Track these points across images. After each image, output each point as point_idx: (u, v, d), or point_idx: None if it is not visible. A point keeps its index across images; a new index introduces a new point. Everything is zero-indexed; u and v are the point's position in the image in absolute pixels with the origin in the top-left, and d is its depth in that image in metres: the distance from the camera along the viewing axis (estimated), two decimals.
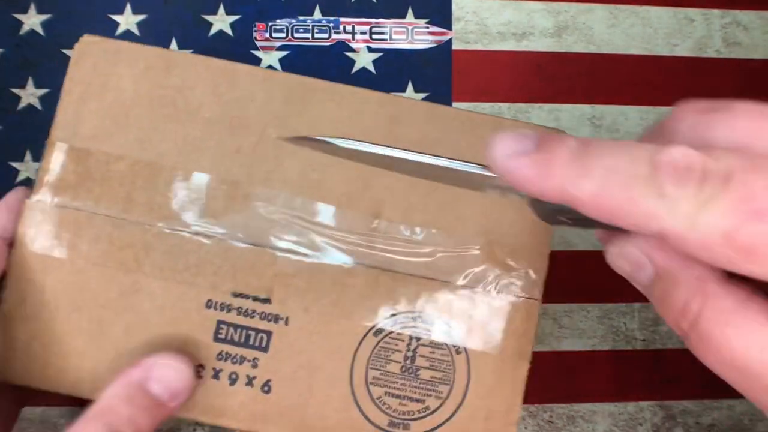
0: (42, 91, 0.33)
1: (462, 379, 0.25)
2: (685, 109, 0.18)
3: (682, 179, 0.15)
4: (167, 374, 0.23)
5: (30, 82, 0.33)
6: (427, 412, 0.25)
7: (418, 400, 0.25)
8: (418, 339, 0.25)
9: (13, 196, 0.25)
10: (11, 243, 0.24)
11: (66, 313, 0.24)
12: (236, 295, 0.25)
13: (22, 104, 0.32)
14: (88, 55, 0.25)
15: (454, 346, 0.25)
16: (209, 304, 0.25)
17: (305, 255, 0.25)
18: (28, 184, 0.32)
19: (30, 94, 0.33)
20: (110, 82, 0.25)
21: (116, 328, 0.24)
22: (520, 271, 0.25)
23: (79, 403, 0.27)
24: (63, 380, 0.24)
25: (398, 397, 0.25)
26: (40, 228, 0.25)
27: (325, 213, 0.25)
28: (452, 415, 0.25)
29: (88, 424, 0.22)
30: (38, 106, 0.32)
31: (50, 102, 0.33)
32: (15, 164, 0.32)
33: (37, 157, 0.32)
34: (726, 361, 0.16)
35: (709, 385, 0.33)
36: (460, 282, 0.25)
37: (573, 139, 0.17)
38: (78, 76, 0.25)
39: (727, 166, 0.15)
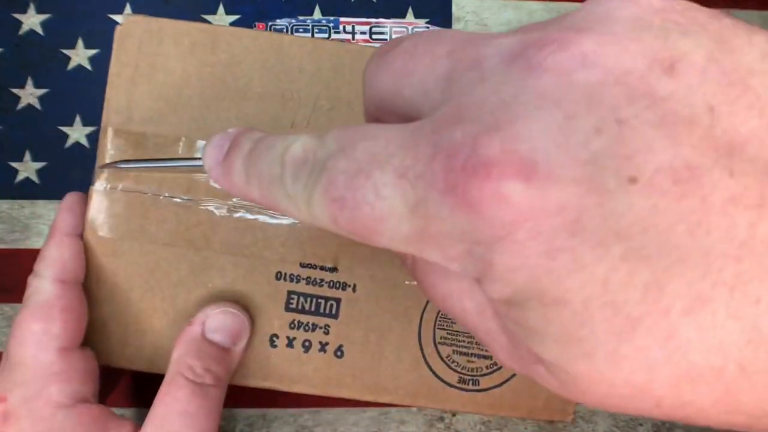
0: (41, 91, 0.32)
1: None
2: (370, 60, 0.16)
3: (297, 175, 0.14)
4: (222, 321, 0.24)
5: (29, 82, 0.32)
6: (495, 367, 0.26)
7: (485, 357, 0.26)
8: None
9: (69, 198, 0.26)
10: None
11: (140, 293, 0.25)
12: (304, 265, 0.25)
13: (22, 104, 0.32)
14: (131, 36, 0.25)
15: None
16: (279, 276, 0.25)
17: None
18: (28, 184, 0.32)
19: (29, 94, 0.32)
20: (158, 63, 0.25)
21: (189, 305, 0.25)
22: None
23: (135, 405, 0.27)
24: (141, 358, 0.25)
25: (466, 354, 0.26)
26: (108, 213, 0.25)
27: None
28: None
29: (171, 385, 0.23)
30: (38, 106, 0.32)
31: (50, 102, 0.32)
32: (14, 164, 0.32)
33: (37, 157, 0.32)
34: (443, 309, 0.16)
35: None
36: None
37: (248, 141, 0.16)
38: (125, 58, 0.25)
39: (326, 152, 0.14)
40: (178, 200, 0.25)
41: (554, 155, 0.11)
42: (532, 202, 0.11)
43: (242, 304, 0.25)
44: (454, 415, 0.32)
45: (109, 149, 0.25)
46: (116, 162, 0.24)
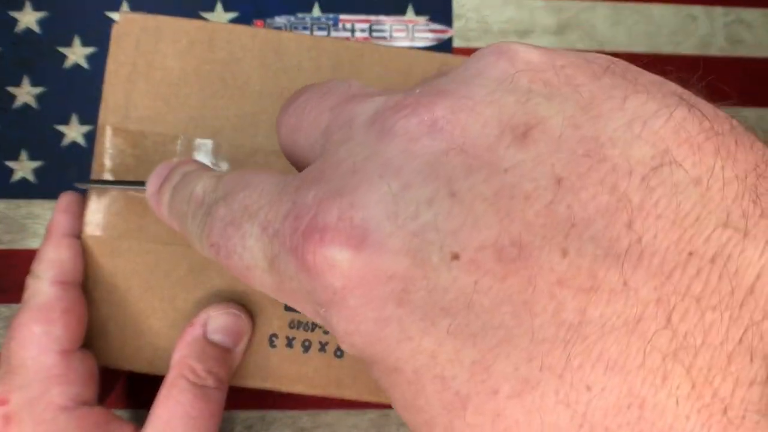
0: (38, 90, 0.32)
1: None
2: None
3: (195, 215, 0.15)
4: (224, 322, 0.24)
5: (26, 81, 0.32)
6: None
7: None
8: None
9: (65, 199, 0.25)
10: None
11: (138, 294, 0.25)
12: None
13: (18, 103, 0.32)
14: (128, 33, 0.25)
15: None
16: None
17: None
18: (24, 183, 0.32)
19: (26, 93, 0.32)
20: (155, 61, 0.25)
21: (188, 305, 0.25)
22: None
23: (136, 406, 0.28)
24: (139, 359, 0.25)
25: None
26: (106, 213, 0.25)
27: None
28: None
29: (172, 387, 0.23)
30: (34, 104, 0.32)
31: (46, 100, 0.32)
32: (10, 163, 0.32)
33: (33, 156, 0.32)
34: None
35: None
36: None
37: (178, 175, 0.17)
38: (122, 56, 0.25)
39: (215, 196, 0.15)
40: None
41: (385, 225, 0.11)
42: (360, 270, 0.11)
43: (241, 303, 0.25)
44: None
45: (108, 148, 0.25)
46: (100, 181, 0.25)
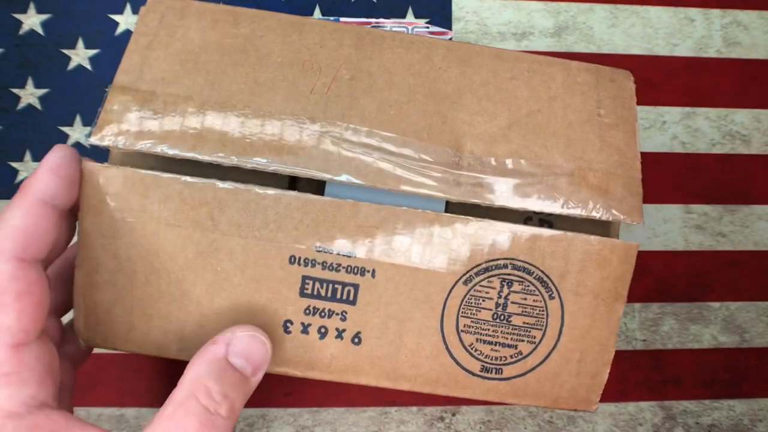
0: (42, 91, 0.32)
1: (555, 323, 0.25)
2: None
3: None
4: (248, 346, 0.22)
5: (30, 82, 0.33)
6: (520, 357, 0.25)
7: (510, 346, 0.25)
8: (510, 285, 0.24)
9: (57, 154, 0.21)
10: (69, 210, 0.22)
11: (144, 277, 0.24)
12: (319, 249, 0.24)
13: (22, 104, 0.32)
14: (155, 11, 0.25)
15: (548, 291, 0.24)
16: (292, 260, 0.24)
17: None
18: None
19: (30, 94, 0.32)
20: (177, 33, 0.25)
21: (197, 288, 0.24)
22: (617, 194, 0.24)
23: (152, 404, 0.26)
24: (149, 343, 0.24)
25: (490, 343, 0.25)
26: (105, 192, 0.23)
27: (407, 147, 0.24)
28: (545, 359, 0.25)
29: (181, 409, 0.20)
30: (38, 106, 0.32)
31: (50, 102, 0.33)
32: (14, 164, 0.32)
33: (37, 157, 0.32)
34: None
35: (709, 385, 0.33)
36: (556, 211, 0.24)
37: None
38: (144, 29, 0.25)
39: None
40: (182, 178, 0.23)
41: None
42: None
43: (254, 288, 0.24)
44: (454, 414, 0.32)
45: (113, 105, 0.23)
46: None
